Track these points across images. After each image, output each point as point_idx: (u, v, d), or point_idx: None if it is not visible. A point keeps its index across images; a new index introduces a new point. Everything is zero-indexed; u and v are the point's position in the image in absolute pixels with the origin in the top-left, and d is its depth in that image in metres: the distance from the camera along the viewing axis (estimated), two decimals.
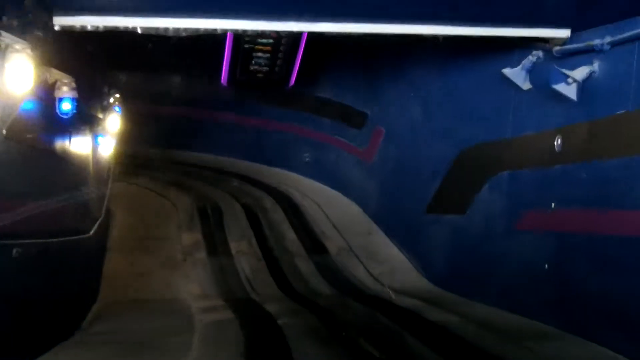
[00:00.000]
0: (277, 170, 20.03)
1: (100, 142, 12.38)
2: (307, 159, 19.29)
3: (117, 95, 14.81)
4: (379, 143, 15.82)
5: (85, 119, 11.05)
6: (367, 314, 9.97)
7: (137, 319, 9.80)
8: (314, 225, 15.59)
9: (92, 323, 9.43)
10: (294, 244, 14.36)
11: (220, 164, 20.48)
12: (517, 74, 9.72)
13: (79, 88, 8.41)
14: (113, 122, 14.08)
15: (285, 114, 19.87)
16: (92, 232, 10.31)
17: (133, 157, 20.58)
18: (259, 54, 12.81)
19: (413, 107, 13.94)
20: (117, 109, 14.27)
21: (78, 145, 10.46)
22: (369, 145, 16.45)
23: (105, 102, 13.44)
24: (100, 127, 12.80)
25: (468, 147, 11.75)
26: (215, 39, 12.53)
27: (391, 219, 14.86)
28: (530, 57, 9.52)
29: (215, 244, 14.12)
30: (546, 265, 9.46)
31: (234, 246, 13.96)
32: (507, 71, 9.86)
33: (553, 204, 9.28)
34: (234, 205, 16.54)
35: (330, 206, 16.84)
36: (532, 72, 9.60)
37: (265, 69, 13.18)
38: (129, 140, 20.69)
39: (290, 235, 14.89)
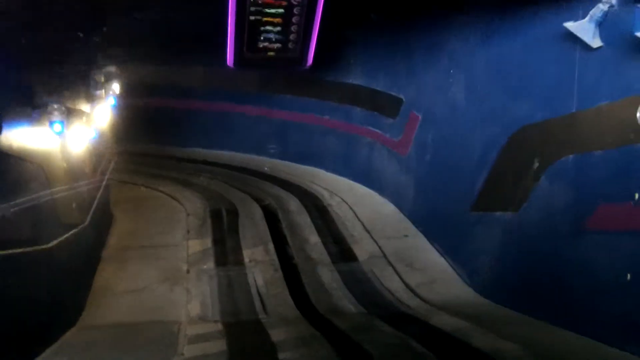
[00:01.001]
0: (304, 167, 18.07)
1: (82, 139, 10.59)
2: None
3: (114, 87, 13.07)
4: (414, 131, 13.71)
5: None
6: (399, 342, 7.90)
7: (105, 352, 7.92)
8: (342, 227, 13.57)
9: (54, 356, 7.57)
10: (318, 250, 12.35)
11: (238, 162, 18.60)
12: (583, 28, 7.58)
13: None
14: (104, 116, 12.35)
15: (310, 104, 17.87)
16: (60, 241, 8.44)
17: (139, 155, 19.01)
18: (268, 27, 10.83)
19: (453, 86, 11.81)
20: (113, 100, 12.53)
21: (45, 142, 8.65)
22: (404, 135, 14.35)
23: (94, 94, 11.68)
24: (86, 122, 11.03)
25: (521, 128, 9.60)
26: (215, 10, 10.64)
27: (431, 219, 12.74)
28: (600, 5, 7.36)
29: (226, 251, 12.20)
30: (629, 275, 7.32)
31: (247, 254, 12.02)
32: (570, 25, 7.71)
33: (637, 195, 7.12)
34: (252, 208, 14.62)
35: (361, 205, 14.81)
36: (603, 25, 7.44)
37: (276, 45, 11.17)
38: (131, 137, 19.19)
39: (314, 239, 12.88)
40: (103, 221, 12.70)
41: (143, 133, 19.41)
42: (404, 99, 14.54)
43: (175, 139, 19.80)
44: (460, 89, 11.52)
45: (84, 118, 10.93)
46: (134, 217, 14.01)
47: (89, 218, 10.47)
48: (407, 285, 10.79)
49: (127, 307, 9.98)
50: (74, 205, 10.05)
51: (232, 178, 17.09)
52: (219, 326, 8.94)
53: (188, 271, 11.29)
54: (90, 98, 11.53)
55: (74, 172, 10.25)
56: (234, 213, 14.29)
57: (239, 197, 15.45)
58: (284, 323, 9.00)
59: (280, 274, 11.20)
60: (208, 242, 12.64)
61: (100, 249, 12.08)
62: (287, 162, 18.53)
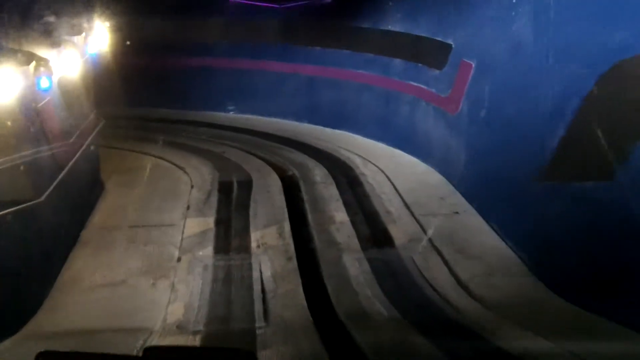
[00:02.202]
0: (335, 131, 15.57)
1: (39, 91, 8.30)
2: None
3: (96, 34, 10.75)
4: (466, 84, 11.07)
5: None
6: None
7: None
8: (377, 202, 11.10)
9: None
10: (345, 232, 9.90)
11: (260, 127, 16.17)
12: None
13: None
14: (75, 66, 10.04)
15: (343, 57, 15.28)
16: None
17: (145, 120, 16.75)
18: None
19: (517, 19, 9.12)
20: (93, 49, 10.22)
21: None
22: (453, 89, 11.72)
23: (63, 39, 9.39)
24: (46, 70, 8.74)
25: (614, 67, 6.92)
26: None
27: (487, 192, 10.17)
28: None
29: (231, 233, 9.85)
30: None
31: (256, 237, 9.65)
32: None
33: None
34: (270, 179, 12.23)
35: (401, 175, 12.30)
36: None
37: None
38: (137, 99, 16.90)
39: (341, 217, 10.43)
40: (83, 195, 10.45)
41: (151, 95, 17.18)
42: (452, 45, 11.88)
43: (188, 101, 17.44)
44: (527, 21, 8.83)
45: (45, 65, 8.60)
46: (128, 190, 11.74)
47: (47, 193, 8.17)
48: (457, 279, 8.26)
49: (93, 308, 7.74)
50: (22, 177, 7.78)
51: (252, 145, 14.67)
52: (196, 340, 6.58)
53: (179, 259, 8.97)
54: (57, 43, 9.20)
55: (26, 134, 7.98)
56: (247, 185, 11.91)
57: (256, 167, 13.05)
58: (286, 336, 6.61)
59: (294, 263, 8.79)
60: (210, 221, 10.28)
61: (78, 230, 9.85)
62: (315, 126, 16.02)
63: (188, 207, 10.83)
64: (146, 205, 11.00)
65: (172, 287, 8.16)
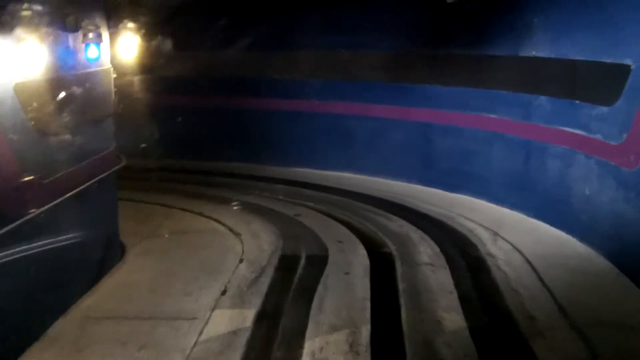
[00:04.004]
0: (454, 195, 11.70)
1: None
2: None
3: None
4: None
5: None
6: None
7: None
8: (513, 301, 7.14)
9: None
10: (461, 349, 5.99)
11: (354, 186, 12.50)
12: None
13: None
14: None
15: (467, 95, 11.53)
16: None
17: (207, 174, 13.71)
18: None
19: None
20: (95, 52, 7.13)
21: None
22: (632, 132, 7.75)
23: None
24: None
25: None
26: None
27: None
28: None
29: (274, 338, 6.18)
30: None
31: (312, 348, 5.94)
32: None
33: None
34: (354, 254, 8.58)
35: (549, 260, 8.33)
36: None
37: None
38: (187, 149, 13.87)
39: (455, 321, 6.54)
40: (74, 267, 7.13)
41: (217, 143, 14.08)
42: (632, 66, 7.92)
43: (265, 153, 14.03)
44: None
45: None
46: (154, 262, 8.41)
47: None
48: None
49: None
50: None
51: (339, 207, 11.04)
52: None
53: None
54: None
55: None
56: (319, 262, 8.28)
57: (338, 236, 9.42)
58: None
59: None
60: (249, 315, 6.68)
61: (49, 319, 6.50)
62: (427, 188, 12.19)
63: (224, 291, 7.28)
64: (168, 284, 7.57)
65: None
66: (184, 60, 13.48)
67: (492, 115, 11.13)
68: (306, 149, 13.83)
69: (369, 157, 13.19)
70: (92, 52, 6.95)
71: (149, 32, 11.48)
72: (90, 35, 6.80)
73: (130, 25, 9.15)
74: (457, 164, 11.88)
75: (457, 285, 7.60)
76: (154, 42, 12.53)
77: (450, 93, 11.79)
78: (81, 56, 6.90)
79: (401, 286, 7.54)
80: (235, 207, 10.84)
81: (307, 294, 7.24)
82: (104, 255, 7.98)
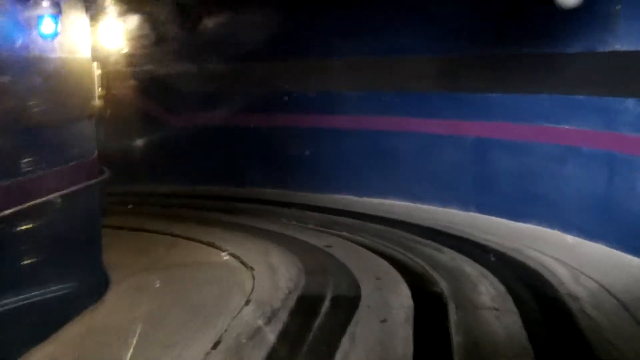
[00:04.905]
0: (518, 224, 9.67)
1: None
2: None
3: None
4: None
5: None
6: None
7: None
8: None
9: None
10: None
11: (396, 214, 10.57)
12: None
13: None
14: None
15: (532, 104, 9.60)
16: None
17: (229, 200, 12.00)
18: None
19: None
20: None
21: None
22: None
23: None
24: None
25: None
26: None
27: None
28: None
29: None
30: None
31: None
32: None
33: None
34: (393, 294, 6.72)
35: None
36: None
37: None
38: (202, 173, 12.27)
39: None
40: (23, 313, 5.40)
41: (241, 165, 12.40)
42: None
43: (297, 177, 12.22)
44: None
45: None
46: (140, 301, 6.67)
47: None
48: None
49: None
50: None
51: (379, 237, 9.14)
52: None
53: None
54: None
55: None
56: (348, 304, 6.41)
57: (375, 271, 7.55)
58: None
59: None
60: None
61: None
62: (486, 216, 10.22)
63: (217, 343, 5.46)
64: (149, 331, 5.81)
65: None
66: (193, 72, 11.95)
67: (565, 126, 9.16)
68: (342, 173, 11.96)
69: (416, 181, 11.25)
70: (47, 26, 5.31)
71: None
72: (45, 2, 5.18)
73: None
74: (521, 186, 9.88)
75: (532, 337, 5.64)
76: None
77: (510, 102, 9.88)
78: (30, 34, 5.26)
79: (456, 339, 5.61)
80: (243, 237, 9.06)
81: (328, 348, 5.37)
82: (75, 293, 6.26)
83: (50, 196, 5.53)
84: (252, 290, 6.85)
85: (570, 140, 9.08)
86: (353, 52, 11.28)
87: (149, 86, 12.24)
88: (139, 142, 11.67)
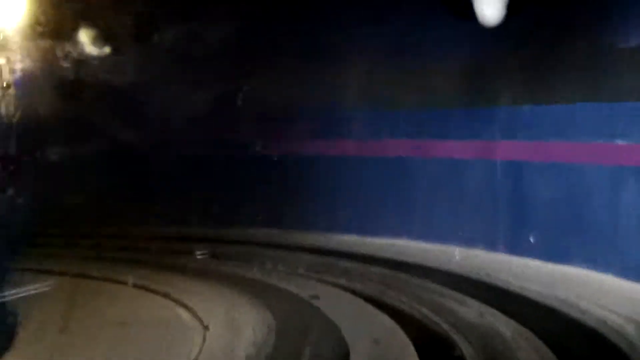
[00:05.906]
0: (561, 268, 7.67)
1: None
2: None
3: None
4: None
5: None
6: None
7: None
8: None
9: None
10: None
11: (410, 254, 8.65)
12: None
13: None
14: None
15: (575, 116, 7.73)
16: None
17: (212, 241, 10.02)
18: None
19: None
20: None
21: None
22: None
23: None
24: None
25: None
26: None
27: None
28: None
29: None
30: None
31: None
32: None
33: None
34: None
35: None
36: None
37: None
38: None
39: None
40: None
41: (208, 204, 10.57)
42: None
43: (280, 215, 10.39)
44: None
45: None
46: None
47: None
48: None
49: None
50: None
51: (382, 284, 7.25)
52: None
53: None
54: None
55: None
56: None
57: (373, 331, 5.65)
58: None
59: None
60: None
61: None
62: (520, 258, 8.27)
63: None
64: None
65: None
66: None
67: (619, 141, 7.27)
68: (344, 208, 10.11)
69: (434, 216, 9.34)
70: None
71: None
72: None
73: None
74: (564, 220, 7.94)
75: None
76: None
77: (550, 115, 8.00)
78: None
79: None
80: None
81: None
82: None
83: None
84: (196, 358, 4.94)
85: (628, 160, 7.20)
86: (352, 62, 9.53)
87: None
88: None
